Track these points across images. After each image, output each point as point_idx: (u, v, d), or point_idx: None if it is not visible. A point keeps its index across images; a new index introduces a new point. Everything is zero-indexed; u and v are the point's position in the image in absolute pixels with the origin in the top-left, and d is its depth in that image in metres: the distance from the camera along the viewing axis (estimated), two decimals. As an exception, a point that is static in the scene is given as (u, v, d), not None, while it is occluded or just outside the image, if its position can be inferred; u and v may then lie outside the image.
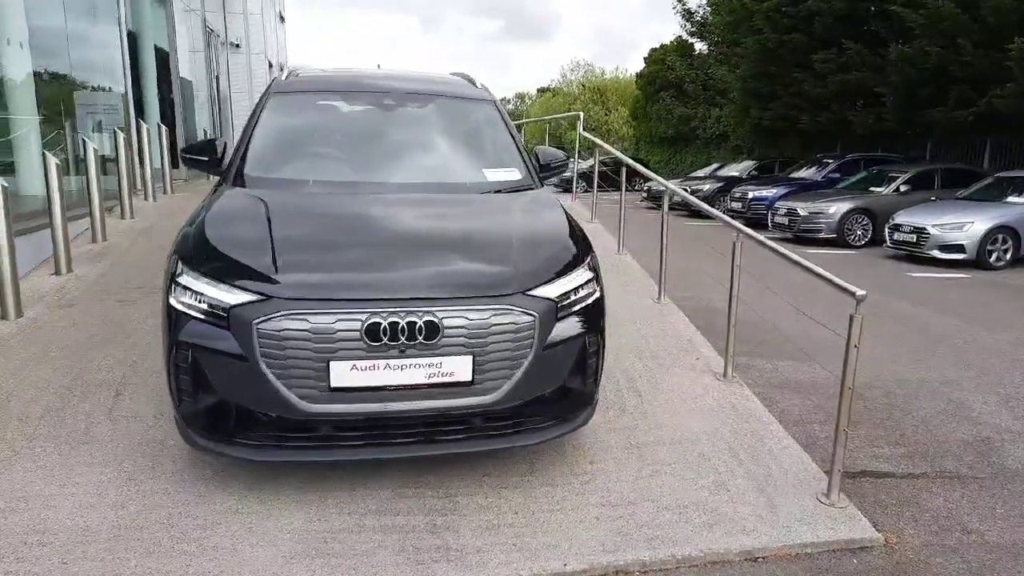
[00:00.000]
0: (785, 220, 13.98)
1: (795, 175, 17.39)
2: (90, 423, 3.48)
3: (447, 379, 2.75)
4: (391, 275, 2.81)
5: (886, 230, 11.77)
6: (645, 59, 32.72)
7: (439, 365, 2.73)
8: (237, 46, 18.70)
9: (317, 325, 2.63)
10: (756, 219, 15.95)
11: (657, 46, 32.10)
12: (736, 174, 19.96)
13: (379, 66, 5.61)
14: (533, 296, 2.86)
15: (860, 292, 3.01)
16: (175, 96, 13.39)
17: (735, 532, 2.90)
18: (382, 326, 2.64)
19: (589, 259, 3.20)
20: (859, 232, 13.09)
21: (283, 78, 4.25)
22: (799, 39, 17.88)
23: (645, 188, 23.37)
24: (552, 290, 2.93)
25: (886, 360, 5.59)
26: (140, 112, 12.95)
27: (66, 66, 9.74)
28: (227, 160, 3.71)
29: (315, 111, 4.04)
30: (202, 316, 2.71)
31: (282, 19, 26.76)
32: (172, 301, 2.78)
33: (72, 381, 3.90)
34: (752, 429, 3.75)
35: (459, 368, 2.75)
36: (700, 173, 22.80)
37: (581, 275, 3.09)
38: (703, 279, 7.88)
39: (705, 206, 5.22)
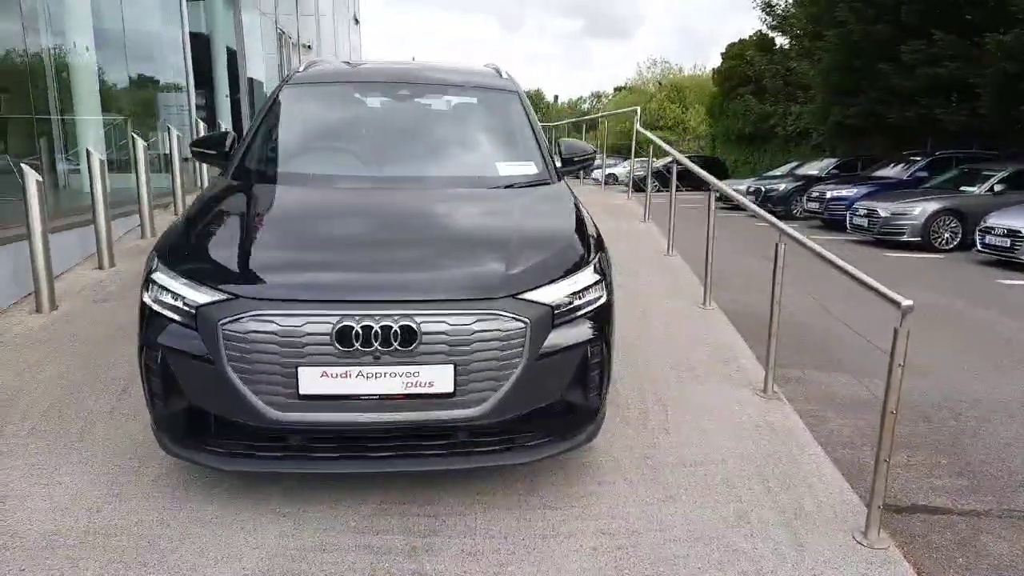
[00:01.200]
0: (864, 221, 13.13)
1: (878, 174, 16.36)
2: (90, 421, 3.42)
3: (426, 390, 2.51)
4: (367, 275, 2.61)
5: (976, 233, 10.85)
6: (722, 55, 31.72)
7: (416, 374, 2.50)
8: (308, 47, 19.05)
9: (285, 327, 2.44)
10: (834, 220, 15.11)
11: (736, 41, 31.04)
12: (815, 173, 18.99)
13: (413, 59, 5.43)
14: (525, 300, 2.59)
15: (906, 302, 2.60)
16: (242, 96, 13.71)
17: (750, 573, 2.55)
18: (354, 330, 2.43)
19: (596, 261, 2.90)
20: (947, 235, 12.14)
21: (301, 69, 4.13)
22: (885, 30, 16.81)
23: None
24: (548, 294, 2.65)
25: (961, 377, 5.03)
26: (211, 112, 13.34)
27: (131, 68, 10.06)
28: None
29: (325, 103, 3.89)
30: (173, 315, 2.57)
31: (357, 21, 27.21)
32: (145, 299, 2.65)
33: (85, 377, 3.88)
34: (788, 453, 3.36)
35: (439, 378, 2.51)
36: (777, 172, 21.82)
37: (585, 278, 2.79)
38: (766, 284, 7.40)
39: (744, 199, 4.80)
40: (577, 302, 2.74)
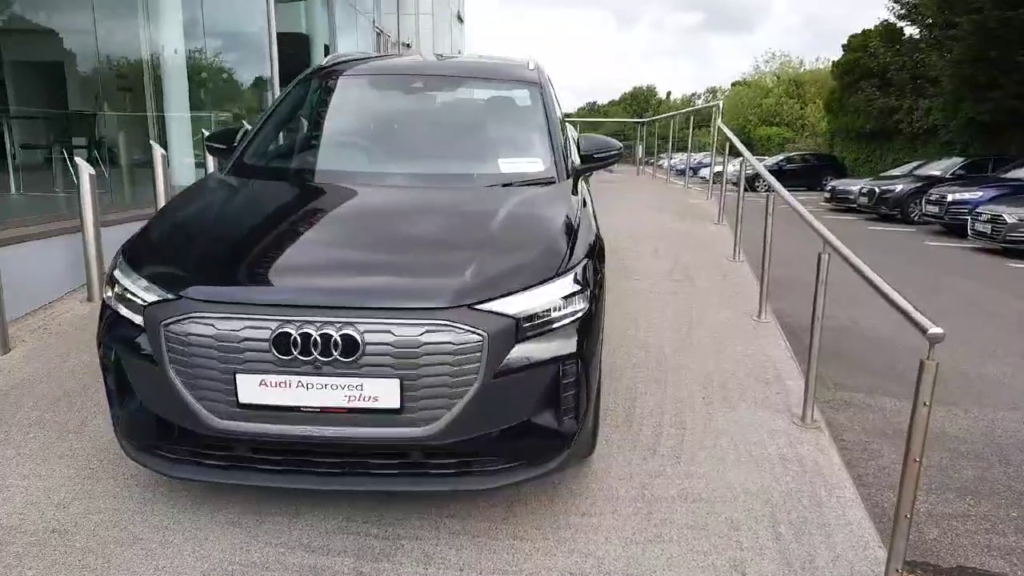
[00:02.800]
0: (987, 228, 11.85)
1: (1010, 176, 14.74)
2: (90, 415, 3.46)
3: (369, 404, 2.31)
4: (310, 279, 2.44)
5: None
6: (844, 47, 29.76)
7: (360, 387, 2.30)
8: (407, 46, 19.36)
9: (222, 331, 2.31)
10: (956, 226, 13.78)
11: (858, 32, 29.05)
12: (937, 174, 17.41)
13: (439, 56, 5.27)
14: (483, 311, 2.34)
15: (934, 329, 2.16)
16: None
17: (725, 638, 2.20)
18: (292, 337, 2.27)
19: (579, 269, 2.60)
20: (1085, 246, 10.75)
21: (324, 63, 4.04)
22: (1026, 15, 15.16)
23: (828, 188, 21.18)
24: (512, 304, 2.39)
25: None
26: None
27: (221, 67, 10.49)
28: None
29: (334, 98, 3.78)
30: (127, 314, 2.50)
31: (460, 19, 27.48)
32: (105, 296, 2.61)
33: (106, 367, 3.95)
34: (812, 493, 2.93)
35: (384, 392, 2.31)
36: (896, 172, 20.20)
37: (561, 287, 2.51)
38: (853, 296, 6.73)
39: (780, 187, 4.26)
40: (552, 315, 2.47)
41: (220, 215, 2.77)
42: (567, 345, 2.47)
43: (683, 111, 15.08)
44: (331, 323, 2.27)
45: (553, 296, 2.48)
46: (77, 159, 4.94)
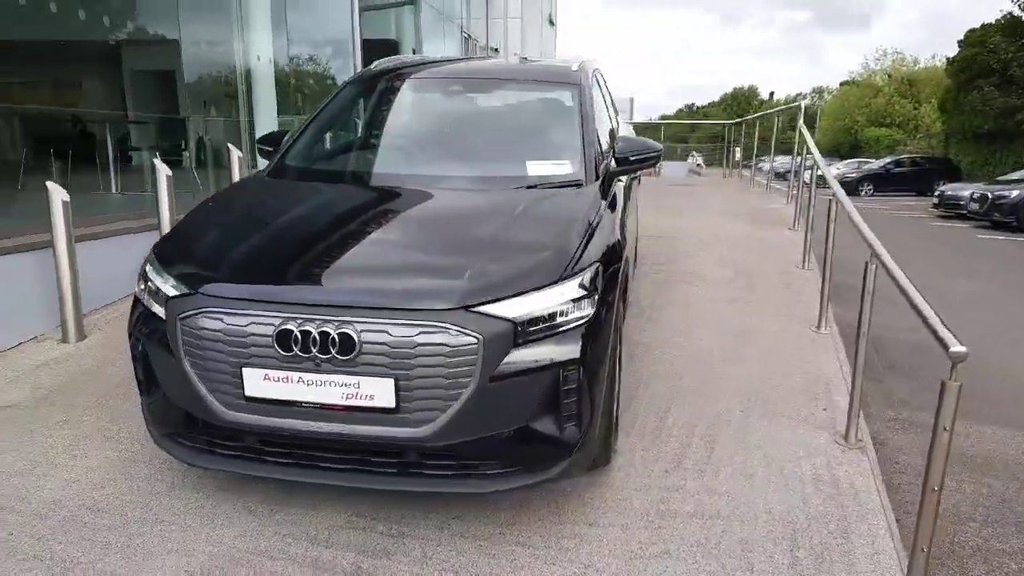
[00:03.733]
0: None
1: None
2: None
3: (366, 403, 2.35)
4: (314, 279, 2.51)
5: None
6: (960, 42, 27.81)
7: (357, 385, 2.34)
8: (496, 50, 19.56)
9: (230, 326, 2.41)
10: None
11: (977, 26, 27.08)
12: (1062, 178, 15.97)
13: (486, 59, 5.27)
14: (479, 313, 2.33)
15: (957, 347, 1.98)
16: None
17: (714, 664, 2.09)
18: (293, 334, 2.33)
19: (588, 274, 2.54)
20: None
21: (373, 68, 4.14)
22: None
23: (937, 193, 19.85)
24: (510, 307, 2.37)
25: None
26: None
27: (307, 74, 10.93)
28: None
29: (374, 102, 3.86)
30: (152, 307, 2.64)
31: (552, 22, 27.52)
32: (137, 289, 2.76)
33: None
34: (841, 517, 2.75)
35: (380, 391, 2.34)
36: (1015, 175, 18.66)
37: (565, 292, 2.46)
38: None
39: (839, 189, 4.01)
40: (555, 320, 2.43)
41: (243, 215, 2.89)
42: (569, 351, 2.43)
43: (766, 112, 14.49)
44: (330, 321, 2.33)
45: (556, 300, 2.44)
46: (156, 161, 5.26)
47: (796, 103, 10.19)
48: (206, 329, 2.44)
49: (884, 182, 28.60)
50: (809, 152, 7.01)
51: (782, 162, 21.78)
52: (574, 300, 2.48)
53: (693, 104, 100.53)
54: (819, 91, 78.03)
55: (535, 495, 2.85)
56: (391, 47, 14.88)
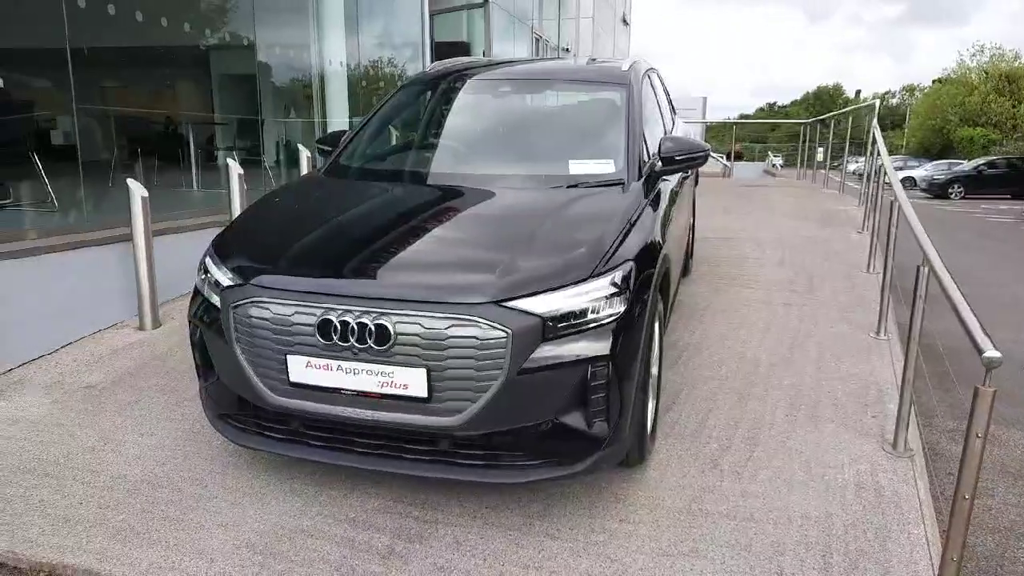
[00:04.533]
0: None
1: None
2: (206, 384, 3.90)
3: (400, 391, 2.45)
4: (355, 272, 2.63)
5: None
6: (1064, 36, 26.08)
7: (391, 375, 2.45)
8: (567, 50, 19.58)
9: (277, 315, 2.55)
10: None
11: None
12: None
13: (540, 59, 5.31)
14: (509, 308, 2.40)
15: (990, 352, 1.92)
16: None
17: (731, 662, 2.09)
18: (334, 324, 2.46)
19: (621, 272, 2.57)
20: None
21: (428, 70, 4.26)
22: None
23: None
24: (540, 303, 2.42)
25: None
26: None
27: (379, 76, 11.24)
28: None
29: (427, 103, 3.98)
30: (209, 296, 2.82)
31: (625, 22, 27.31)
32: (196, 279, 2.95)
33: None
34: (880, 526, 2.69)
35: (413, 381, 2.43)
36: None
37: (596, 289, 2.50)
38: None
39: (899, 189, 3.87)
40: (585, 316, 2.47)
41: (295, 211, 3.05)
42: (599, 347, 2.47)
43: (842, 111, 13.98)
44: (367, 313, 2.44)
45: (586, 297, 2.48)
46: (229, 160, 5.55)
47: (868, 102, 9.82)
48: (255, 318, 2.59)
49: (976, 184, 27.15)
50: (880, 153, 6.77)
51: (863, 163, 21.00)
52: (606, 297, 2.51)
53: (775, 103, 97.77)
54: (909, 89, 74.57)
55: (567, 489, 2.89)
56: (462, 49, 15.12)
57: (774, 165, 26.82)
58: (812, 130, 15.67)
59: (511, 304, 2.41)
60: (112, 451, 3.23)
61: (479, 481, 2.59)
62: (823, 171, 14.14)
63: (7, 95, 5.90)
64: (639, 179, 3.27)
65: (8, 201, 5.64)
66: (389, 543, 2.62)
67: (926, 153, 43.19)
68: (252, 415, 2.77)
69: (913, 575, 2.43)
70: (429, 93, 4.04)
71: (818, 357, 4.20)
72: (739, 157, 27.48)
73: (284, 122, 10.39)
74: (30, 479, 2.99)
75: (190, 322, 2.94)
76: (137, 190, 4.55)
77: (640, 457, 2.94)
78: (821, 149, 15.37)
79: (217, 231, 5.21)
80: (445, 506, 2.82)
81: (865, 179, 8.61)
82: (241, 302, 2.62)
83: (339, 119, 9.98)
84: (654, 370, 3.07)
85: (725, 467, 3.08)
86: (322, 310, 2.49)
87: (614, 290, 2.53)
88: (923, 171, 31.47)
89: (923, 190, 28.50)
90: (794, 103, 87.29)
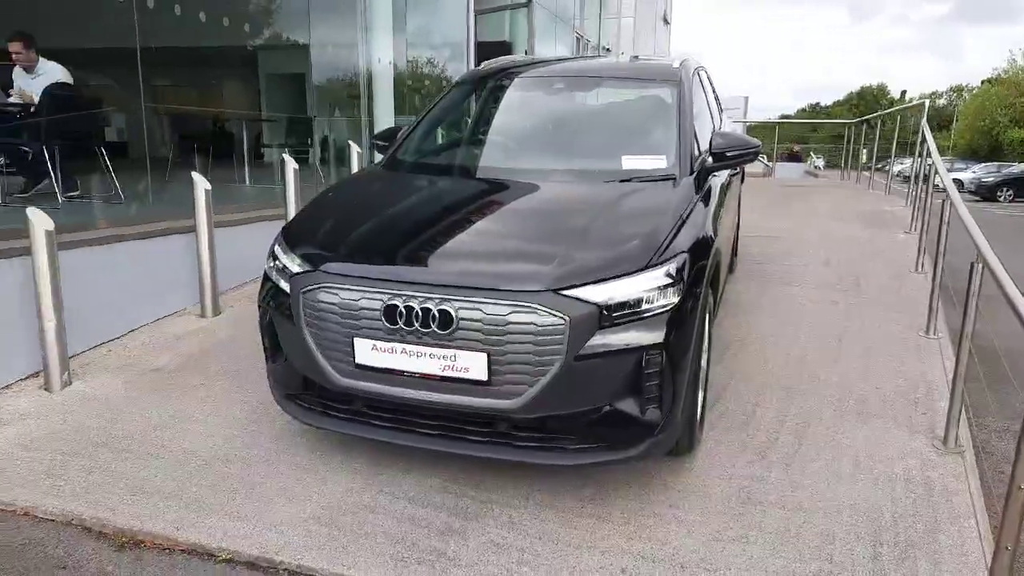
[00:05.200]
0: None
1: None
2: (267, 369, 4.06)
3: (461, 374, 2.56)
4: (419, 261, 2.76)
5: None
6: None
7: (453, 358, 2.56)
8: (608, 50, 19.58)
9: (344, 301, 2.68)
10: None
11: None
12: None
13: (622, 54, 5.39)
14: (567, 296, 2.49)
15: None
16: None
17: (782, 641, 2.15)
18: (398, 309, 2.58)
19: (674, 264, 2.65)
20: None
21: (478, 69, 4.38)
22: None
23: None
24: (597, 292, 2.51)
25: None
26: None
27: (423, 76, 11.43)
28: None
29: (480, 99, 4.09)
30: (279, 282, 2.96)
31: (666, 21, 27.18)
32: (266, 267, 3.10)
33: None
34: (931, 518, 2.72)
35: (473, 365, 2.54)
36: None
37: (650, 280, 2.58)
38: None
39: (953, 190, 3.86)
40: (639, 306, 2.55)
41: (359, 203, 3.19)
42: (653, 336, 2.55)
43: (885, 112, 13.75)
44: (431, 299, 2.55)
45: (641, 287, 2.56)
46: (284, 156, 5.74)
47: (917, 102, 9.66)
48: (324, 303, 2.72)
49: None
50: (930, 154, 6.69)
51: (909, 164, 20.58)
52: (660, 288, 2.59)
53: (817, 103, 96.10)
54: (957, 90, 72.58)
55: (617, 476, 2.97)
56: (504, 48, 15.24)
57: (816, 166, 26.42)
58: (856, 131, 15.43)
59: (569, 292, 2.50)
60: (182, 429, 3.40)
61: (535, 463, 2.69)
62: (867, 172, 13.93)
63: (80, 93, 6.17)
64: (690, 174, 3.33)
65: (76, 194, 5.90)
66: (447, 520, 2.73)
67: (974, 155, 42.07)
68: (317, 395, 2.91)
69: (964, 566, 2.46)
70: (482, 91, 4.16)
71: (865, 355, 4.21)
72: (795, 158, 26.84)
73: (331, 120, 10.64)
74: (108, 453, 3.17)
75: (259, 306, 3.09)
76: (201, 183, 4.75)
77: (689, 446, 3.00)
78: (865, 150, 15.15)
79: (266, 225, 5.42)
80: (500, 488, 2.92)
81: (912, 179, 8.50)
82: (311, 287, 2.76)
83: (385, 117, 10.17)
84: (703, 362, 3.13)
85: (773, 458, 3.13)
86: (388, 295, 2.61)
87: (668, 281, 2.61)
88: (971, 173, 30.72)
89: (971, 192, 27.83)
90: (837, 103, 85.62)
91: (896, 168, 15.19)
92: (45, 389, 3.75)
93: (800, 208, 9.98)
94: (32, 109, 5.65)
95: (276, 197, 7.40)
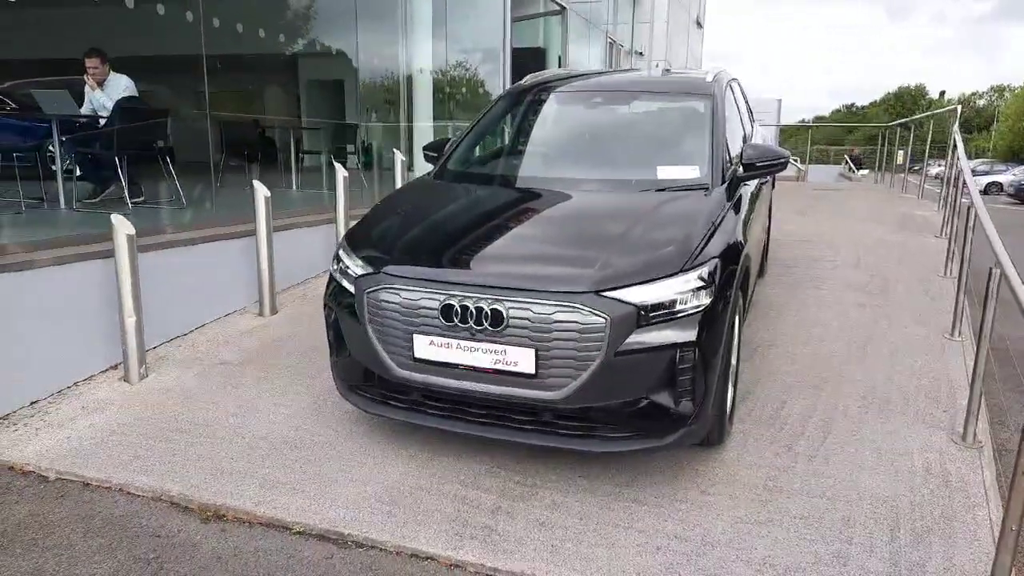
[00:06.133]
0: None
1: None
2: (327, 363, 4.36)
3: (511, 368, 2.83)
4: (473, 264, 3.03)
5: None
6: None
7: (504, 353, 2.83)
8: (640, 55, 19.74)
9: (405, 300, 2.96)
10: None
11: None
12: None
13: (659, 66, 5.62)
14: (607, 297, 2.75)
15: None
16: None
17: (803, 611, 2.38)
18: (455, 308, 2.86)
19: (707, 268, 2.89)
20: None
21: (524, 82, 4.65)
22: None
23: None
24: (636, 294, 2.76)
25: None
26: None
27: (461, 82, 11.73)
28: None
29: (524, 112, 4.36)
30: (344, 283, 3.26)
31: (699, 24, 27.20)
32: (332, 268, 3.41)
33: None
34: (947, 506, 2.91)
35: (522, 359, 2.81)
36: None
37: (684, 283, 2.83)
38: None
39: (976, 192, 4.01)
40: (673, 307, 2.79)
41: (416, 210, 3.48)
42: (686, 334, 2.79)
43: (922, 116, 13.70)
44: (484, 299, 2.83)
45: (676, 290, 2.81)
46: (335, 163, 6.07)
47: (949, 107, 9.69)
48: (386, 302, 3.01)
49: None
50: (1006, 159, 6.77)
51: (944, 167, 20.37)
52: (693, 290, 2.83)
53: (853, 105, 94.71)
54: (998, 90, 71.08)
55: (651, 464, 3.21)
56: (538, 55, 15.52)
57: (849, 169, 26.20)
58: (891, 133, 15.39)
59: (609, 294, 2.76)
60: (252, 417, 3.73)
61: (577, 449, 2.95)
62: (902, 175, 13.92)
63: (146, 104, 6.58)
64: (722, 184, 3.56)
65: (141, 200, 6.30)
66: (496, 501, 3.00)
67: (1015, 157, 41.28)
68: (378, 386, 3.20)
69: (977, 549, 2.66)
70: (525, 104, 4.43)
71: (891, 355, 4.38)
72: (858, 164, 26.16)
73: (370, 126, 11.00)
74: (187, 438, 3.50)
75: (325, 305, 3.39)
76: (261, 190, 5.09)
77: (719, 438, 3.23)
78: (901, 152, 15.09)
79: (311, 230, 5.74)
80: (543, 474, 3.18)
81: (944, 183, 8.56)
82: (374, 288, 3.05)
83: (424, 123, 10.50)
84: (733, 360, 3.36)
85: (799, 451, 3.34)
86: (445, 296, 2.89)
87: (701, 284, 2.85)
88: (1011, 175, 30.14)
89: (1010, 195, 27.33)
90: (873, 104, 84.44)
91: (934, 171, 15.11)
92: (124, 380, 4.11)
93: (831, 211, 10.08)
94: (102, 122, 6.07)
95: (320, 202, 7.76)
